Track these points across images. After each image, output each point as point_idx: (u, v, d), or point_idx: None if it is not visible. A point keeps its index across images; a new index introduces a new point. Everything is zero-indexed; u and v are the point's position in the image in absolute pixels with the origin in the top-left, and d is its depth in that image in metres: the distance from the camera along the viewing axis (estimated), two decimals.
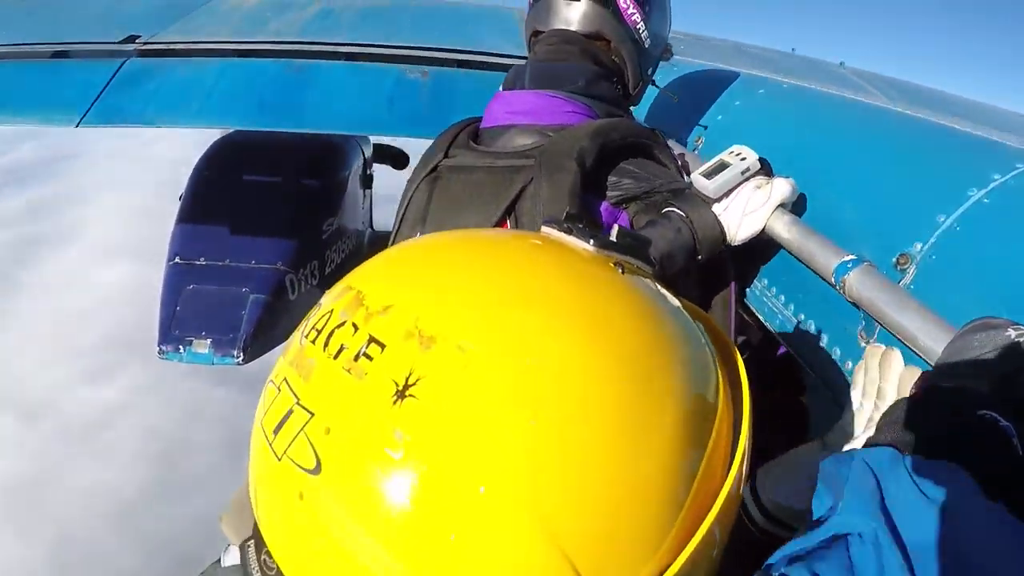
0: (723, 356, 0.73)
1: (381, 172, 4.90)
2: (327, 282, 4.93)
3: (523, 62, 1.70)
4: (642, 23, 1.68)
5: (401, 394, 0.54)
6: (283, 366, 0.63)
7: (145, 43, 3.66)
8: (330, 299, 0.66)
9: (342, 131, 2.77)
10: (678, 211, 1.30)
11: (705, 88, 2.45)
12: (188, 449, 14.77)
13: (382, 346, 0.56)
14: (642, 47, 1.72)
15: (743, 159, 1.30)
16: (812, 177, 1.60)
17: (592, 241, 0.72)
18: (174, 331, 4.20)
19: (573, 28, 1.67)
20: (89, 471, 13.04)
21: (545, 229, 0.78)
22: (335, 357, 0.58)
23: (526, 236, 0.80)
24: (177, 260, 4.46)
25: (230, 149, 4.75)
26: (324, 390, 0.57)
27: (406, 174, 1.72)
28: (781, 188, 1.30)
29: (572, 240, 0.73)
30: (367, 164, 4.92)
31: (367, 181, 4.74)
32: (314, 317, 0.64)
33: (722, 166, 1.31)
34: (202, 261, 4.41)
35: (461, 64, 3.22)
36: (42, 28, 4.14)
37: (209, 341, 4.11)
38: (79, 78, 3.53)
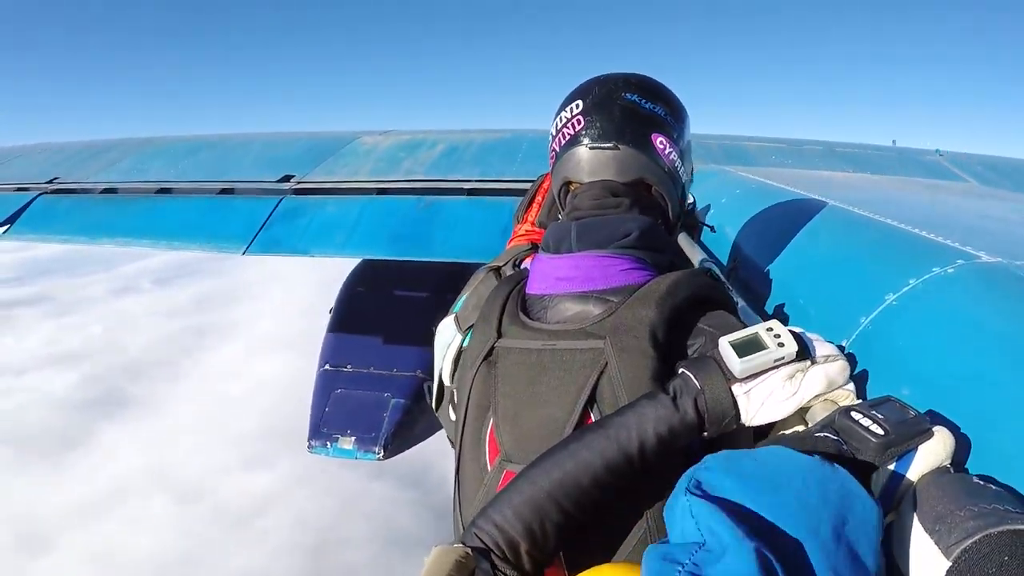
0: None
1: None
2: None
3: (562, 220, 1.59)
4: (678, 160, 1.61)
5: None
6: None
7: (298, 182, 4.20)
8: None
9: (465, 259, 3.08)
10: (693, 381, 1.16)
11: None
12: (340, 543, 14.94)
13: None
14: (680, 182, 1.65)
15: (780, 344, 1.15)
16: (774, 278, 1.90)
17: None
18: (322, 429, 4.77)
19: (612, 177, 1.56)
20: (239, 557, 13.50)
21: None
22: None
23: None
24: (327, 367, 5.07)
25: (377, 269, 5.34)
26: None
27: None
28: (813, 384, 1.15)
29: None
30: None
31: None
32: None
33: (755, 344, 1.16)
34: (349, 368, 5.02)
35: None
36: (210, 167, 4.81)
37: (353, 439, 4.65)
38: (243, 212, 4.09)
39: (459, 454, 1.47)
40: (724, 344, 1.18)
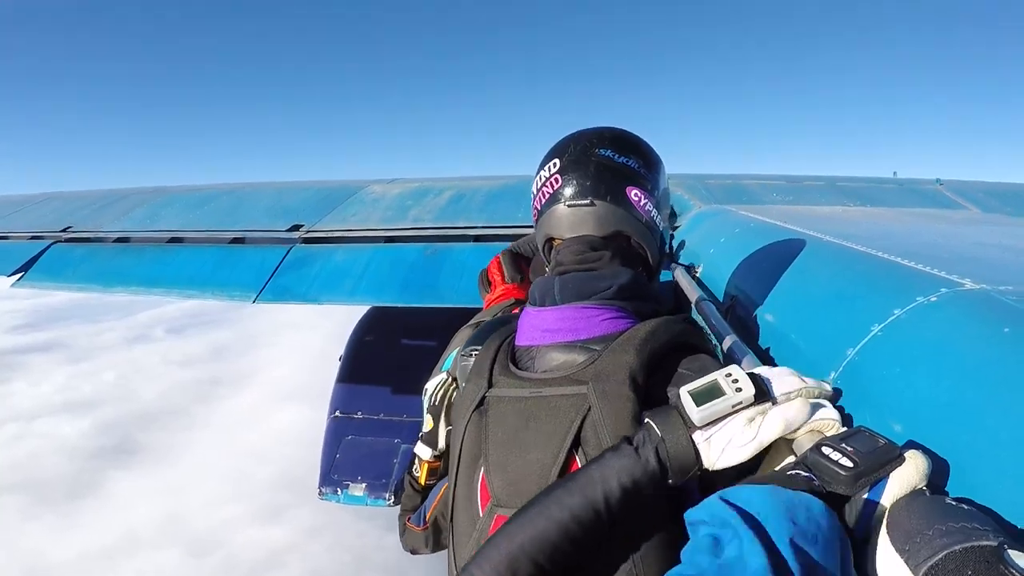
0: None
1: None
2: None
3: (547, 276, 1.62)
4: (654, 209, 1.66)
5: None
6: None
7: (308, 231, 4.26)
8: None
9: (471, 305, 3.11)
10: (655, 430, 1.18)
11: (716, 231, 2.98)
12: None
13: None
14: (658, 231, 1.70)
15: (738, 389, 1.16)
16: (767, 313, 1.93)
17: None
18: (333, 475, 4.79)
19: (591, 232, 1.62)
20: None
21: None
22: None
23: None
24: (337, 414, 5.12)
25: (385, 317, 5.39)
26: None
27: None
28: (771, 427, 1.15)
29: None
30: None
31: None
32: None
33: (714, 392, 1.17)
34: (359, 415, 5.04)
35: None
36: (221, 217, 4.89)
37: (364, 485, 4.65)
38: (254, 261, 4.16)
39: (452, 502, 1.52)
40: (683, 393, 1.20)
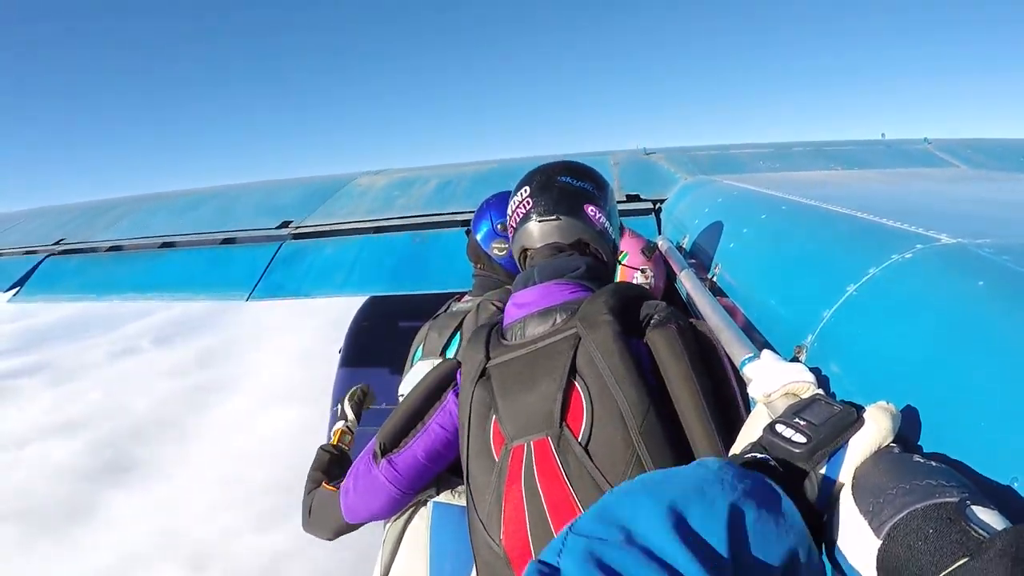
0: None
1: None
2: None
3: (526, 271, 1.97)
4: (606, 221, 2.02)
5: None
6: None
7: (297, 227, 4.34)
8: None
9: (460, 289, 3.19)
10: None
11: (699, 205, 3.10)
12: None
13: None
14: (609, 238, 2.05)
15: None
16: (748, 281, 2.07)
17: None
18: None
19: (557, 240, 1.95)
20: None
21: None
22: None
23: None
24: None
25: (381, 306, 5.45)
26: None
27: None
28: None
29: None
30: None
31: None
32: None
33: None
34: None
35: None
36: (211, 219, 4.95)
37: None
38: (245, 260, 4.23)
39: (467, 462, 1.74)
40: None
